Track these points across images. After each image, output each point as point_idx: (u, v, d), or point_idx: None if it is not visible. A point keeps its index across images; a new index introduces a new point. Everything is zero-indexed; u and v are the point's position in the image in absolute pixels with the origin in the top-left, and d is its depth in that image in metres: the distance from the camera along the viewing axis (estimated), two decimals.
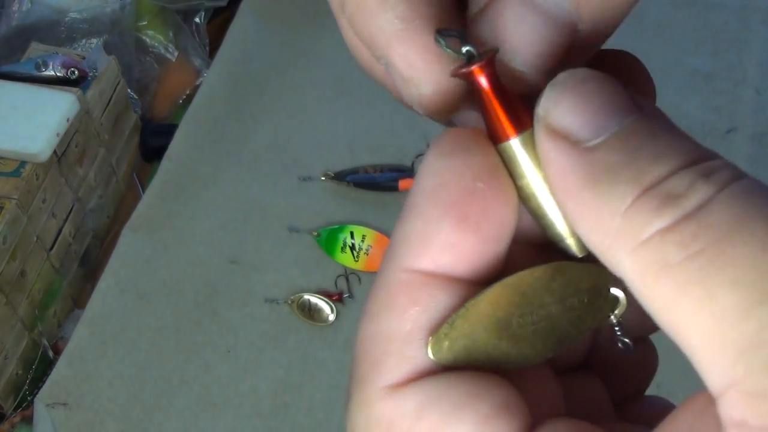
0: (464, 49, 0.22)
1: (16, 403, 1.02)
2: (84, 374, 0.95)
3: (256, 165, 1.12)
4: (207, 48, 1.34)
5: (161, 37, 1.31)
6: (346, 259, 1.02)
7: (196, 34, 1.34)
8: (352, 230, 1.03)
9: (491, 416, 0.20)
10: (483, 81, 0.22)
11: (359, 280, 1.01)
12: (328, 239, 1.03)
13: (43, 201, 1.03)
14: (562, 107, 0.20)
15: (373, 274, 1.01)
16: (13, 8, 1.27)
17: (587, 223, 0.19)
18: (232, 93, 1.18)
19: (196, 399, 0.93)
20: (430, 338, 0.21)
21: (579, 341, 0.24)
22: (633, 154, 0.19)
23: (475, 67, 0.21)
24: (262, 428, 0.92)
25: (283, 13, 1.28)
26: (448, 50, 0.21)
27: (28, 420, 0.97)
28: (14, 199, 0.97)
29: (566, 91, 0.20)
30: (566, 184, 0.20)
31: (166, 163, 1.11)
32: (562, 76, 0.20)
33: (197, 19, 1.34)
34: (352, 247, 1.02)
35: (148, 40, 1.30)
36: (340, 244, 1.02)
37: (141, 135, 1.26)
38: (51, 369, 0.98)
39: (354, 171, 1.08)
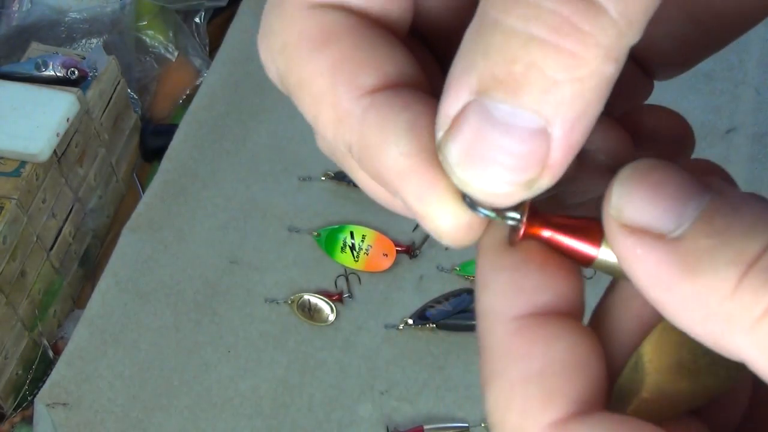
0: (508, 215, 0.22)
1: (16, 403, 1.02)
2: (84, 374, 0.95)
3: (256, 165, 1.12)
4: (207, 48, 1.34)
5: (161, 37, 1.31)
6: (346, 259, 1.02)
7: (196, 34, 1.34)
8: (352, 230, 1.03)
9: None
10: (544, 233, 0.22)
11: (359, 280, 1.01)
12: (328, 239, 1.03)
13: (43, 201, 1.03)
14: (636, 202, 0.19)
15: (373, 274, 1.02)
16: (13, 8, 1.27)
17: (693, 315, 0.19)
18: (232, 93, 1.18)
19: (196, 399, 0.93)
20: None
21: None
22: (724, 235, 0.18)
23: (525, 227, 0.22)
24: (262, 428, 0.92)
25: None
26: (483, 213, 0.21)
27: (28, 420, 0.97)
28: (14, 199, 0.97)
29: (636, 184, 0.20)
30: (660, 280, 0.19)
31: (166, 163, 1.11)
32: (625, 171, 0.20)
33: (197, 19, 1.34)
34: (352, 247, 1.02)
35: (148, 40, 1.30)
36: (340, 244, 1.02)
37: (141, 135, 1.26)
38: (51, 369, 0.98)
39: None
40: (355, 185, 1.00)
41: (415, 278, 1.01)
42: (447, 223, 0.21)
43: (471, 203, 0.21)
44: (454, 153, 0.20)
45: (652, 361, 0.21)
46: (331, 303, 0.98)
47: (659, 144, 0.27)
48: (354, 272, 1.01)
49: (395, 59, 0.22)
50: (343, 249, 1.02)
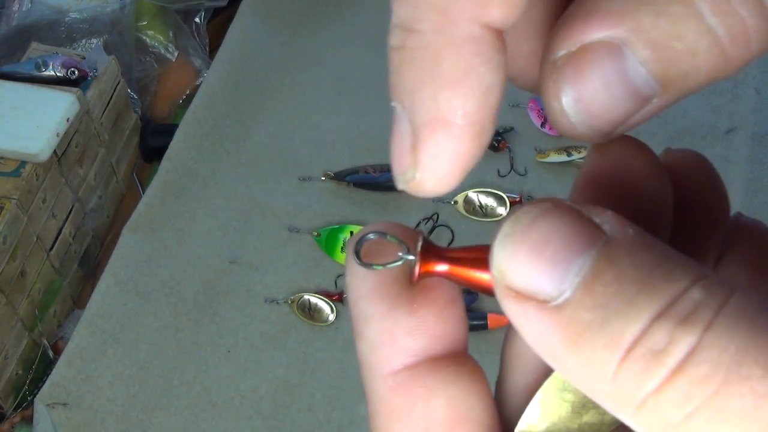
0: (400, 256, 0.21)
1: (16, 403, 1.02)
2: (84, 374, 0.95)
3: (256, 165, 1.12)
4: (207, 48, 1.34)
5: (161, 37, 1.31)
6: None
7: (196, 34, 1.34)
8: (352, 230, 1.03)
9: None
10: (439, 267, 0.21)
11: None
12: (328, 239, 1.03)
13: (43, 201, 1.03)
14: (516, 264, 0.18)
15: None
16: (13, 8, 1.27)
17: (584, 387, 0.18)
18: (232, 93, 1.18)
19: (196, 399, 0.93)
20: None
21: None
22: (603, 310, 0.17)
23: (421, 268, 0.21)
24: (262, 428, 0.92)
25: (283, 13, 1.28)
26: (376, 267, 0.21)
27: (28, 420, 0.97)
28: (14, 199, 0.97)
29: (515, 245, 0.18)
30: (546, 349, 0.18)
31: (166, 163, 1.11)
32: (506, 227, 0.19)
33: (197, 19, 1.34)
34: None
35: (148, 40, 1.30)
36: (340, 244, 1.02)
37: (141, 135, 1.26)
38: (51, 369, 0.98)
39: (354, 171, 1.08)
40: (355, 185, 1.01)
41: None
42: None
43: (362, 263, 0.21)
44: (572, 84, 0.20)
45: (553, 403, 0.21)
46: (331, 303, 0.98)
47: (690, 214, 0.25)
48: None
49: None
50: (343, 249, 1.02)
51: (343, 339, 0.97)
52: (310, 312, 0.98)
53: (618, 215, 0.18)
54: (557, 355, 0.18)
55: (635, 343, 0.17)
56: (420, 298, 0.21)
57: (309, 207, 1.07)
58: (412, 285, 0.21)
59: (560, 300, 0.18)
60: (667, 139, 1.08)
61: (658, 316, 0.17)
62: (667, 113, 1.13)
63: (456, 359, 0.21)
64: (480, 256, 0.21)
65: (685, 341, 0.16)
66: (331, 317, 0.98)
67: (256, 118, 1.16)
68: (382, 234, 0.22)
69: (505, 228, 0.19)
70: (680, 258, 0.18)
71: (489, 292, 0.20)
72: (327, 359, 0.95)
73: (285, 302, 0.99)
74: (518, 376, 0.22)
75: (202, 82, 1.24)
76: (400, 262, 0.21)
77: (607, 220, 0.18)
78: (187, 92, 1.30)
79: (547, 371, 0.21)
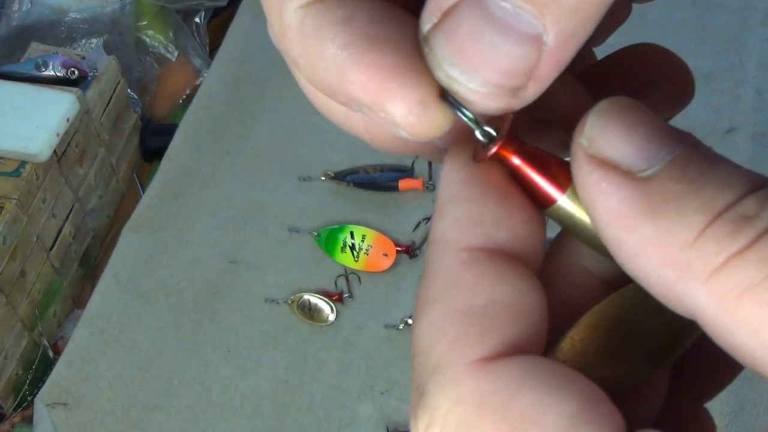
0: (481, 130, 0.21)
1: (16, 403, 1.02)
2: (84, 374, 0.95)
3: (256, 165, 1.12)
4: (207, 48, 1.34)
5: (161, 37, 1.31)
6: (346, 259, 1.02)
7: (196, 34, 1.34)
8: (352, 230, 1.03)
9: (593, 401, 0.18)
10: (514, 159, 0.21)
11: (359, 280, 1.01)
12: (328, 239, 1.03)
13: (43, 201, 1.03)
14: (609, 136, 0.19)
15: (373, 274, 1.02)
16: (13, 8, 1.27)
17: (651, 258, 0.18)
18: (232, 93, 1.18)
19: (196, 399, 0.93)
20: None
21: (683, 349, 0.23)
22: (695, 182, 0.18)
23: (499, 145, 0.21)
24: (262, 428, 0.92)
25: None
26: (465, 115, 0.20)
27: (28, 420, 0.97)
28: (14, 199, 0.97)
29: (612, 118, 0.19)
30: (622, 218, 0.18)
31: (166, 163, 1.11)
32: (603, 103, 0.19)
33: (197, 19, 1.34)
34: (352, 247, 1.02)
35: (148, 40, 1.30)
36: (340, 244, 1.02)
37: (141, 135, 1.26)
38: (51, 369, 0.98)
39: (354, 171, 1.08)
40: (355, 185, 1.01)
41: (415, 278, 1.01)
42: (399, 108, 0.20)
43: (453, 102, 0.20)
44: (444, 47, 0.19)
45: (582, 341, 0.21)
46: (331, 303, 0.98)
47: (659, 93, 0.26)
48: (354, 272, 1.01)
49: None
50: (343, 249, 1.02)
51: (343, 339, 0.97)
52: (310, 312, 0.98)
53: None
54: (634, 222, 0.18)
55: (727, 208, 0.17)
56: (512, 199, 0.21)
57: (309, 207, 1.07)
58: (477, 161, 0.21)
59: (648, 172, 0.18)
60: None
61: (750, 191, 0.17)
62: None
63: (528, 265, 0.21)
64: (555, 163, 0.21)
65: None
66: (331, 317, 0.98)
67: (256, 118, 1.16)
68: (473, 123, 0.21)
69: (602, 104, 0.19)
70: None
71: (546, 202, 0.21)
72: (327, 359, 0.95)
73: (285, 302, 0.99)
74: (560, 298, 0.22)
75: (202, 82, 1.24)
76: (482, 131, 0.21)
77: (689, 134, 0.19)
78: (187, 92, 1.30)
79: (585, 303, 0.21)
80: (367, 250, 1.02)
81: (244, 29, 1.25)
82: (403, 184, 1.07)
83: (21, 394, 1.02)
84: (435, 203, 0.22)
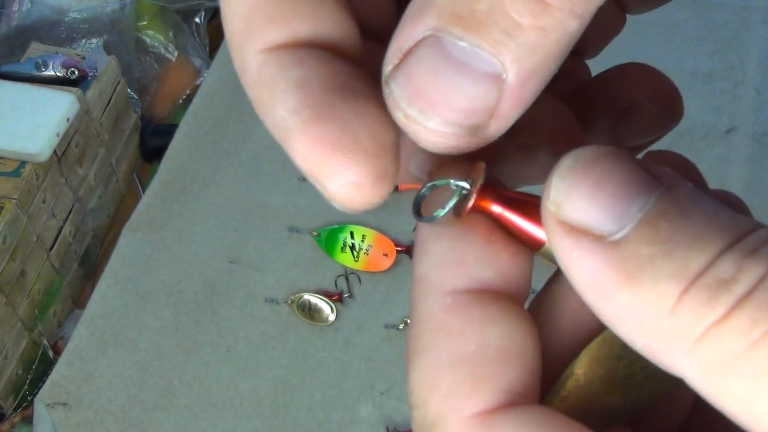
0: (457, 184, 0.20)
1: (16, 403, 1.02)
2: (84, 374, 0.95)
3: (256, 165, 1.12)
4: (207, 48, 1.34)
5: (161, 37, 1.31)
6: (346, 259, 1.02)
7: (196, 34, 1.34)
8: (352, 230, 1.03)
9: None
10: (494, 207, 0.20)
11: (359, 280, 1.01)
12: (328, 239, 1.03)
13: (43, 201, 1.04)
14: (575, 198, 0.18)
15: (373, 274, 1.02)
16: (13, 8, 1.27)
17: (631, 327, 0.17)
18: (232, 93, 1.19)
19: (196, 399, 0.93)
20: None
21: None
22: (667, 243, 0.17)
23: (477, 197, 0.20)
24: (262, 428, 0.92)
25: None
26: (430, 183, 0.20)
27: (28, 420, 0.97)
28: (14, 199, 0.97)
29: (577, 178, 0.18)
30: (597, 286, 0.18)
31: (166, 163, 1.11)
32: (566, 162, 0.18)
33: (197, 19, 1.34)
34: (352, 247, 1.02)
35: (148, 40, 1.30)
36: (340, 244, 1.02)
37: (141, 135, 1.26)
38: (51, 369, 0.98)
39: None
40: None
41: None
42: (332, 185, 0.19)
43: (425, 219, 0.20)
44: (403, 87, 0.19)
45: (586, 374, 0.20)
46: (331, 303, 0.98)
47: (641, 116, 0.25)
48: (354, 272, 1.01)
49: (317, 15, 0.20)
50: (343, 249, 1.02)
51: (343, 339, 0.97)
52: (310, 312, 0.98)
53: (675, 171, 0.18)
54: (610, 291, 0.17)
55: (701, 273, 0.16)
56: (498, 234, 0.20)
57: (309, 207, 1.07)
58: (458, 217, 0.21)
59: (619, 235, 0.17)
60: (667, 139, 1.08)
61: (726, 249, 0.16)
62: None
63: (517, 302, 0.20)
64: (538, 206, 0.20)
65: (754, 270, 0.16)
66: (331, 317, 0.98)
67: (256, 118, 1.14)
68: (444, 181, 0.21)
69: (567, 162, 0.18)
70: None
71: (534, 245, 0.20)
72: (327, 359, 0.95)
73: (285, 302, 0.99)
74: (557, 336, 0.21)
75: (202, 82, 1.24)
76: (452, 201, 0.20)
77: (666, 172, 0.18)
78: (187, 92, 1.30)
79: (585, 338, 0.21)
80: (367, 250, 1.02)
81: None
82: (403, 184, 1.07)
83: (21, 394, 1.02)
84: (415, 240, 0.21)
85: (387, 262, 1.01)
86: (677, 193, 0.18)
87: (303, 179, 1.09)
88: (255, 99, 0.21)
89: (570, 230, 0.18)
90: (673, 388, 0.21)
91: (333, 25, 0.21)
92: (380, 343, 0.97)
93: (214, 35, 1.33)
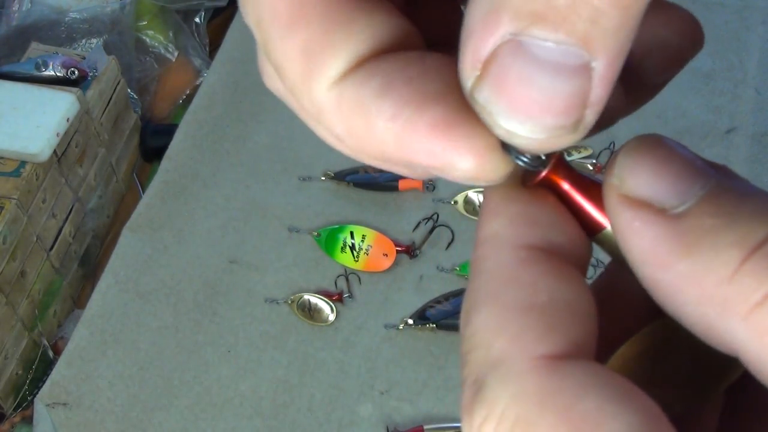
0: (526, 157, 0.20)
1: (16, 403, 1.02)
2: (84, 374, 0.95)
3: (256, 165, 1.12)
4: (207, 48, 1.34)
5: (161, 37, 1.31)
6: (346, 259, 1.02)
7: (196, 34, 1.34)
8: (352, 230, 1.03)
9: (655, 418, 0.18)
10: (564, 184, 0.21)
11: (359, 280, 1.01)
12: (328, 239, 1.03)
13: (43, 201, 1.03)
14: (640, 173, 0.19)
15: (373, 274, 1.02)
16: (13, 8, 1.27)
17: (688, 296, 0.18)
18: (232, 93, 1.19)
19: (196, 399, 0.93)
20: None
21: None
22: (729, 216, 0.17)
23: (549, 171, 0.21)
24: (262, 428, 0.92)
25: None
26: (523, 160, 0.20)
27: (28, 420, 0.97)
28: (14, 199, 0.97)
29: (642, 156, 0.19)
30: (657, 257, 0.18)
31: (166, 163, 1.11)
32: (632, 142, 0.19)
33: (197, 19, 1.34)
34: (352, 247, 1.02)
35: (148, 40, 1.30)
36: (340, 244, 1.02)
37: (141, 135, 1.26)
38: (51, 369, 0.98)
39: (354, 171, 1.08)
40: (355, 185, 1.01)
41: (415, 278, 1.01)
42: (469, 165, 0.19)
43: (511, 150, 0.20)
44: (495, 101, 0.18)
45: (628, 362, 0.21)
46: (331, 303, 0.98)
47: (666, 49, 0.25)
48: (354, 272, 1.01)
49: (370, 27, 0.20)
50: (343, 249, 1.02)
51: (343, 339, 0.97)
52: (310, 312, 0.98)
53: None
54: (669, 260, 0.18)
55: (763, 242, 0.17)
56: (564, 209, 0.21)
57: (309, 207, 1.07)
58: (525, 186, 0.21)
59: (682, 208, 0.18)
60: None
61: None
62: (666, 113, 1.13)
63: (583, 271, 0.21)
64: (599, 190, 0.20)
65: None
66: (331, 317, 0.98)
67: (256, 118, 1.16)
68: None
69: (631, 143, 0.19)
70: None
71: (594, 229, 0.21)
72: (327, 359, 0.95)
73: (285, 302, 0.99)
74: (609, 316, 0.21)
75: (202, 82, 1.24)
76: (533, 164, 0.20)
77: (717, 164, 0.19)
78: (187, 92, 1.30)
79: (635, 325, 0.21)
80: (367, 250, 1.02)
81: (244, 29, 1.25)
82: (403, 184, 1.07)
83: (21, 394, 1.02)
84: (482, 206, 0.21)
85: (387, 262, 1.01)
86: (735, 181, 0.18)
87: (303, 179, 1.09)
88: (346, 131, 0.20)
89: (632, 202, 0.19)
90: (721, 385, 0.21)
91: (390, 31, 0.20)
92: (380, 343, 0.97)
93: (214, 35, 1.33)
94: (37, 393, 0.96)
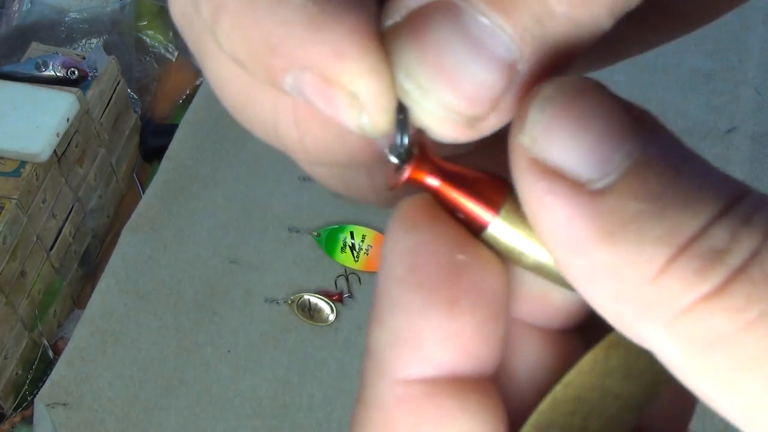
0: (392, 154, 0.18)
1: (16, 403, 1.02)
2: (84, 374, 0.95)
3: (256, 165, 1.12)
4: None
5: (161, 37, 1.31)
6: (346, 259, 1.02)
7: None
8: (352, 230, 1.03)
9: None
10: (431, 180, 0.18)
11: (359, 280, 1.01)
12: (328, 239, 1.03)
13: (43, 201, 1.04)
14: (555, 134, 0.15)
15: (373, 274, 1.02)
16: (13, 8, 1.27)
17: (604, 290, 0.15)
18: None
19: (196, 399, 0.93)
20: None
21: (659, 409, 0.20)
22: (658, 200, 0.15)
23: (412, 168, 0.18)
24: (262, 428, 0.92)
25: None
26: (386, 150, 0.18)
27: (28, 420, 0.97)
28: (14, 199, 0.97)
29: (558, 111, 0.15)
30: (571, 238, 0.15)
31: (166, 163, 1.11)
32: (547, 90, 0.16)
33: None
34: (352, 247, 1.02)
35: (148, 40, 1.30)
36: (340, 244, 1.02)
37: (141, 135, 1.26)
38: (51, 369, 0.98)
39: None
40: None
41: None
42: (364, 83, 0.16)
43: (398, 119, 0.17)
44: (404, 52, 0.16)
45: (541, 427, 0.18)
46: (331, 303, 0.98)
47: None
48: (354, 272, 1.01)
49: None
50: (343, 249, 1.02)
51: (343, 339, 0.97)
52: (310, 312, 0.98)
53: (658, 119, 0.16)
54: (585, 246, 0.15)
55: (694, 240, 0.14)
56: (464, 300, 0.17)
57: (309, 207, 1.07)
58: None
59: (602, 184, 0.15)
60: None
61: (721, 215, 0.14)
62: (666, 113, 1.13)
63: (481, 387, 0.17)
64: (483, 181, 0.18)
65: (750, 240, 0.14)
66: (331, 317, 0.98)
67: None
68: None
69: (547, 91, 0.16)
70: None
71: (476, 227, 0.18)
72: (327, 359, 0.96)
73: (285, 302, 0.99)
74: (518, 382, 0.19)
75: (202, 82, 1.24)
76: (394, 156, 0.18)
77: (644, 111, 0.16)
78: (187, 92, 1.30)
79: (544, 387, 0.18)
80: (367, 250, 1.02)
81: None
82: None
83: (21, 394, 1.02)
84: (374, 297, 0.18)
85: None
86: (668, 145, 0.16)
87: (303, 179, 1.09)
88: (241, 23, 0.17)
89: (545, 171, 0.15)
90: (637, 418, 0.19)
91: None
92: None
93: None
94: (37, 393, 0.96)
